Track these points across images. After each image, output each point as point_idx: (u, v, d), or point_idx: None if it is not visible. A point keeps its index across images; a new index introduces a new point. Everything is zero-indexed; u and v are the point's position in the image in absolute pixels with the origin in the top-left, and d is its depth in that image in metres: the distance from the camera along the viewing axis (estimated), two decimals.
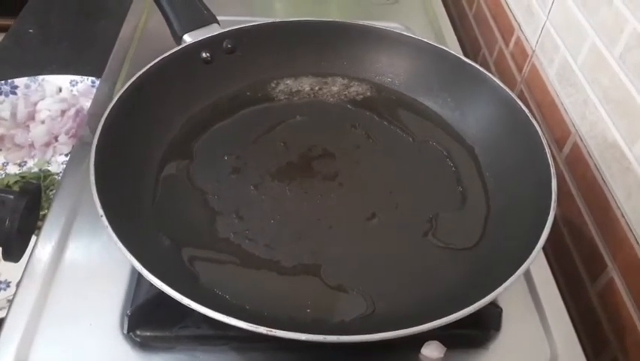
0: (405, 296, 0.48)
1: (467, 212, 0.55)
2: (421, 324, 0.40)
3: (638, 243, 0.50)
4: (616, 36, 0.54)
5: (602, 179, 0.56)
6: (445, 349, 0.46)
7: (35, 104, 0.83)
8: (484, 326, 0.48)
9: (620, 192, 0.53)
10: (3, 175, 0.76)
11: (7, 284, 0.65)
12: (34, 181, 0.73)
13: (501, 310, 0.48)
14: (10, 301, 0.49)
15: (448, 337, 0.45)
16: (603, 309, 0.55)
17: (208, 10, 0.65)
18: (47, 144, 0.80)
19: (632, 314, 0.51)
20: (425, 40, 0.66)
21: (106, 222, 0.43)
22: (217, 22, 0.64)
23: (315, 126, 0.63)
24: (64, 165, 0.77)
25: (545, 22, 0.68)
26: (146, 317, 0.46)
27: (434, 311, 0.41)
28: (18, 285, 0.50)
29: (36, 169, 0.77)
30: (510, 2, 0.79)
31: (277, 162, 0.58)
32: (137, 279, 0.50)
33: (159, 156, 0.57)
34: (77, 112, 0.82)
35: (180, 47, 0.61)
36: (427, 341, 0.46)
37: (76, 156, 0.61)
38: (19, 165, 0.78)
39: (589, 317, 0.57)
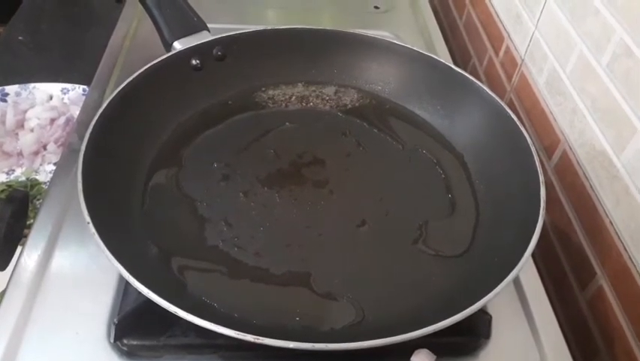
0: (394, 304, 0.48)
1: (457, 219, 0.55)
2: (411, 331, 0.40)
3: (626, 250, 0.50)
4: (603, 45, 0.55)
5: (591, 187, 0.56)
6: (435, 357, 0.46)
7: (25, 112, 0.82)
8: (474, 333, 0.48)
9: (608, 200, 0.53)
10: None
11: None
12: (22, 189, 0.73)
13: (490, 317, 0.48)
14: None
15: (438, 344, 0.45)
16: (592, 317, 0.55)
17: (198, 17, 0.65)
18: (36, 153, 0.79)
19: (621, 322, 0.51)
20: (415, 48, 0.66)
21: (93, 230, 0.43)
22: (207, 29, 0.64)
23: (305, 134, 0.63)
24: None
25: (534, 31, 0.69)
26: (133, 325, 0.46)
27: (424, 319, 0.41)
28: (3, 294, 0.49)
29: (24, 178, 0.76)
30: (499, 12, 0.79)
31: (267, 169, 0.58)
32: (124, 287, 0.49)
33: (148, 163, 0.56)
34: (67, 121, 0.81)
35: (170, 53, 0.61)
36: (416, 348, 0.45)
37: (64, 163, 0.60)
38: (7, 173, 0.77)
39: (578, 325, 0.57)
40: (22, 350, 0.45)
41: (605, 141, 0.54)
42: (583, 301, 0.57)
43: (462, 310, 0.40)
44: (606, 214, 0.53)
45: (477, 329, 0.48)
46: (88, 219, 0.43)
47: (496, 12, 0.80)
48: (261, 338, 0.38)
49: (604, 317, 0.53)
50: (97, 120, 0.52)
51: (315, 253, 0.51)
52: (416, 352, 0.45)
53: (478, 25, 0.87)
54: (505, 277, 0.43)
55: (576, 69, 0.60)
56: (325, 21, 0.91)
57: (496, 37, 0.80)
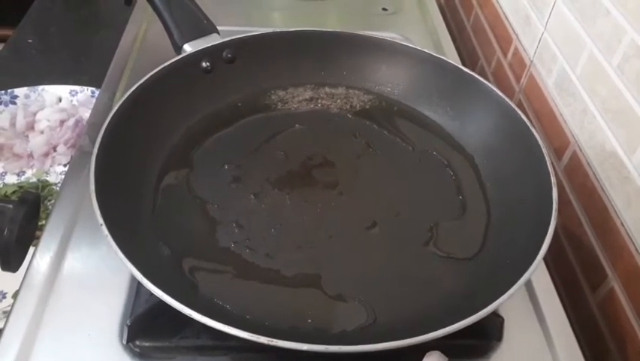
0: (406, 306, 0.48)
1: (468, 221, 0.55)
2: (423, 334, 0.39)
3: (638, 252, 0.50)
4: (614, 46, 0.54)
5: (602, 188, 0.56)
6: (447, 359, 0.45)
7: (35, 114, 0.83)
8: (486, 335, 0.48)
9: (620, 201, 0.53)
10: (1, 185, 0.76)
11: (3, 295, 0.65)
12: (33, 191, 0.73)
13: (502, 319, 0.48)
14: (8, 312, 0.48)
15: (450, 347, 0.44)
16: (604, 318, 0.55)
17: (208, 19, 0.65)
18: (46, 154, 0.79)
19: (633, 323, 0.50)
20: (424, 50, 0.66)
21: (106, 231, 0.43)
22: (217, 31, 0.65)
23: (315, 135, 0.63)
24: (63, 175, 0.76)
25: (543, 32, 0.69)
26: (146, 327, 0.46)
27: (436, 321, 0.41)
28: (16, 296, 0.50)
29: (34, 179, 0.77)
30: (507, 13, 0.79)
31: (277, 171, 0.58)
32: (136, 289, 0.49)
33: (159, 165, 0.56)
34: (77, 122, 0.82)
35: (180, 56, 0.61)
36: (428, 351, 0.45)
37: (75, 166, 0.60)
38: (18, 174, 0.78)
39: (590, 327, 0.57)
40: (35, 352, 0.45)
41: (615, 142, 0.54)
42: (594, 303, 0.56)
43: (475, 313, 0.40)
44: (617, 215, 0.53)
45: (489, 332, 0.48)
46: (101, 221, 0.44)
47: (504, 13, 0.80)
48: (274, 340, 0.38)
49: (615, 318, 0.53)
50: (109, 123, 0.52)
51: (326, 255, 0.51)
52: (428, 354, 0.45)
53: (486, 26, 0.86)
54: (517, 280, 0.42)
55: (586, 70, 0.59)
56: (333, 23, 0.92)
57: (505, 39, 0.80)
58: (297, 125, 0.64)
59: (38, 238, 0.53)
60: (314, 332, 0.45)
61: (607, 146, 0.55)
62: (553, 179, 0.50)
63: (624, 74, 0.53)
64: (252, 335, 0.38)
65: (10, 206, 0.48)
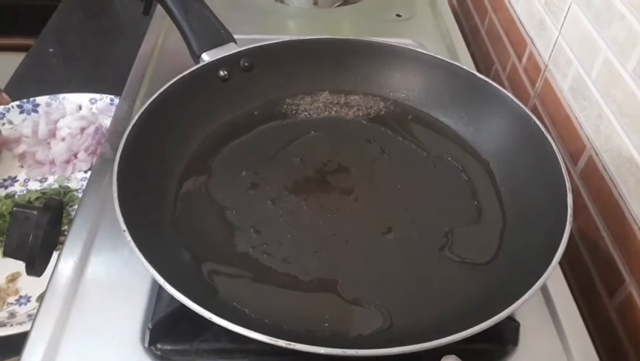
0: (421, 311, 0.48)
1: (483, 226, 0.55)
2: (439, 338, 0.40)
3: None
4: (629, 50, 0.55)
5: (618, 192, 0.56)
6: None
7: (56, 121, 0.85)
8: (502, 340, 0.48)
9: (637, 206, 0.53)
10: (24, 191, 0.78)
11: (28, 299, 0.66)
12: (56, 197, 0.75)
13: (518, 324, 0.48)
14: (34, 316, 0.50)
15: (466, 351, 0.45)
16: (622, 323, 0.55)
17: (225, 29, 0.66)
18: (67, 161, 0.81)
19: None
20: (438, 56, 0.67)
21: (129, 237, 0.44)
22: (234, 41, 0.66)
23: (330, 142, 0.64)
24: (84, 182, 0.78)
25: (558, 36, 0.69)
26: (167, 330, 0.47)
27: (451, 325, 0.41)
28: (40, 299, 0.51)
29: (56, 185, 0.79)
30: (522, 17, 0.79)
31: (293, 177, 0.59)
32: (157, 293, 0.50)
33: (179, 172, 0.58)
34: (96, 129, 0.83)
35: (198, 65, 0.62)
36: (444, 355, 0.46)
37: (97, 173, 0.62)
38: (40, 181, 0.79)
39: (607, 331, 0.56)
40: (60, 355, 0.46)
41: (632, 147, 0.54)
42: (612, 308, 0.56)
43: (490, 318, 0.41)
44: (634, 220, 0.53)
45: (505, 336, 0.48)
46: (124, 227, 0.45)
47: (518, 17, 0.80)
48: (292, 343, 0.39)
49: (633, 323, 0.53)
50: (130, 131, 0.53)
51: (342, 260, 0.52)
52: (444, 358, 0.46)
53: (501, 31, 0.87)
54: (533, 285, 0.43)
55: (601, 74, 0.59)
56: (348, 30, 0.92)
57: (519, 43, 0.80)
58: (312, 132, 0.65)
59: (62, 243, 0.54)
60: (331, 336, 0.46)
61: (623, 150, 0.55)
62: (568, 185, 0.50)
63: (639, 79, 0.53)
64: (270, 338, 0.39)
65: (35, 212, 0.50)
